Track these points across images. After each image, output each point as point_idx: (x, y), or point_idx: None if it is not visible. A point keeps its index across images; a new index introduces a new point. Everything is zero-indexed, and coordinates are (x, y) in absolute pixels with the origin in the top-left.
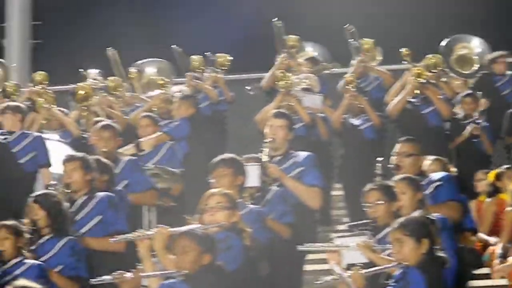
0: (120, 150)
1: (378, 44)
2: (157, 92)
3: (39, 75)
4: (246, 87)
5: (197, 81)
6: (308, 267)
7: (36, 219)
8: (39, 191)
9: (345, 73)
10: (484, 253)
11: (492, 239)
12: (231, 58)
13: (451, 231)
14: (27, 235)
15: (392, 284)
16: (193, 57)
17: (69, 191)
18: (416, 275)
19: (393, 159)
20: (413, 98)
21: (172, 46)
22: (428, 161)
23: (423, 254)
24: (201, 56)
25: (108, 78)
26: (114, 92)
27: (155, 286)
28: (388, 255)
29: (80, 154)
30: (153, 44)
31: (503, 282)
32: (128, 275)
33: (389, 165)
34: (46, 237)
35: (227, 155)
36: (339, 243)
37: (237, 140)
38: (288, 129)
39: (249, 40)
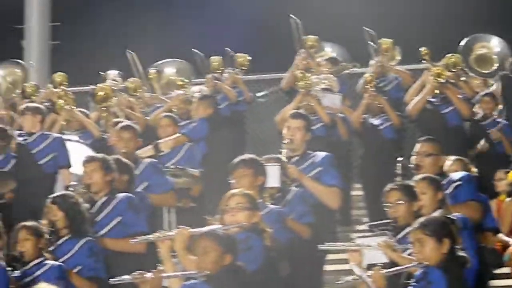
0: (138, 152)
1: (397, 43)
2: (176, 92)
3: (59, 76)
4: (257, 94)
5: (216, 81)
6: (328, 267)
7: (54, 220)
8: (59, 192)
9: (364, 73)
10: (504, 253)
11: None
12: (250, 58)
13: (471, 231)
14: (47, 236)
15: (413, 284)
16: (213, 57)
17: (89, 192)
18: (437, 275)
19: (413, 159)
20: (432, 97)
21: (193, 49)
22: (449, 161)
23: (444, 254)
24: (221, 57)
25: (127, 79)
26: (134, 94)
27: (177, 287)
28: (409, 254)
29: (100, 155)
30: (171, 44)
31: None
32: (149, 275)
33: (409, 165)
34: (65, 238)
35: (247, 156)
36: (360, 242)
37: (256, 140)
38: (305, 129)
39: (264, 40)
